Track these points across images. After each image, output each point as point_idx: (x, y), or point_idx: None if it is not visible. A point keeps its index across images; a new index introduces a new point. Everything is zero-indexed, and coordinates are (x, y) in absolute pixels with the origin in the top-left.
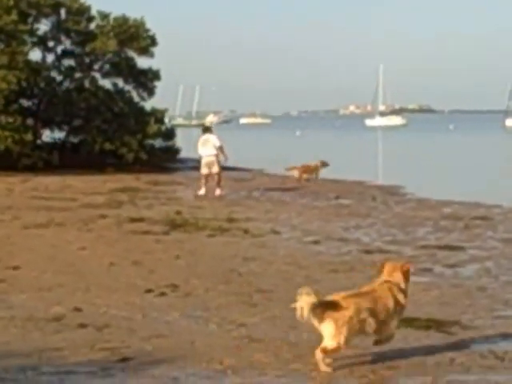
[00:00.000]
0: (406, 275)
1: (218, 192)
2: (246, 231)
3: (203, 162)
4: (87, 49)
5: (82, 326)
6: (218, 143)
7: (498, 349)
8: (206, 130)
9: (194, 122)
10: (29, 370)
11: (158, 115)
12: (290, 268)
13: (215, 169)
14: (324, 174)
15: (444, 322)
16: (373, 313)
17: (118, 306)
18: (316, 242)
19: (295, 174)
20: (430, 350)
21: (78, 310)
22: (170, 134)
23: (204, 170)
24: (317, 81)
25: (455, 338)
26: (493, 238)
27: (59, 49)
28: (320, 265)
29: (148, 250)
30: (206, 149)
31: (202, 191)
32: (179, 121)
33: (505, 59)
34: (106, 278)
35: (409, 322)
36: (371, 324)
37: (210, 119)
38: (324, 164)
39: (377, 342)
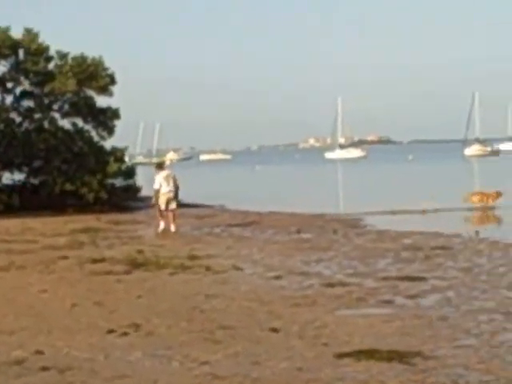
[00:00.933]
0: None
1: (173, 228)
2: (207, 268)
3: (165, 198)
4: (46, 89)
5: (44, 368)
6: (177, 181)
7: (460, 378)
8: (161, 166)
9: (155, 159)
10: None
11: (117, 154)
12: (252, 304)
13: (173, 205)
14: (284, 207)
15: (406, 353)
16: None
17: (80, 347)
18: (278, 277)
19: (482, 200)
20: (393, 382)
21: (39, 352)
22: (130, 173)
23: (164, 206)
24: (276, 115)
25: (417, 368)
26: (453, 267)
27: (18, 90)
28: (282, 300)
29: (110, 290)
30: (167, 184)
31: (162, 226)
32: (140, 159)
33: (463, 88)
34: (68, 320)
35: (371, 354)
36: None
37: (171, 156)
38: (499, 194)
39: None
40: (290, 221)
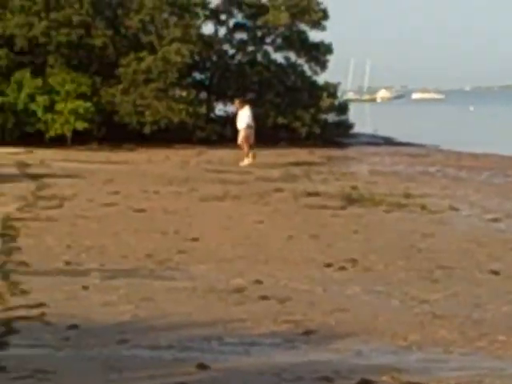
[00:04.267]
0: None
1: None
2: (423, 207)
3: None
4: (259, 22)
5: (264, 298)
6: None
7: None
8: (244, 102)
9: (366, 96)
10: (213, 340)
11: (330, 89)
12: (470, 245)
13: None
14: (495, 150)
15: None
16: None
17: (298, 279)
18: (496, 220)
19: None
20: None
21: (258, 282)
22: (342, 109)
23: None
24: (491, 56)
25: None
26: None
27: (231, 22)
28: (501, 242)
29: (325, 224)
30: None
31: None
32: (350, 95)
33: None
34: (285, 251)
35: None
36: None
37: (382, 94)
38: None
39: None
40: (507, 163)
